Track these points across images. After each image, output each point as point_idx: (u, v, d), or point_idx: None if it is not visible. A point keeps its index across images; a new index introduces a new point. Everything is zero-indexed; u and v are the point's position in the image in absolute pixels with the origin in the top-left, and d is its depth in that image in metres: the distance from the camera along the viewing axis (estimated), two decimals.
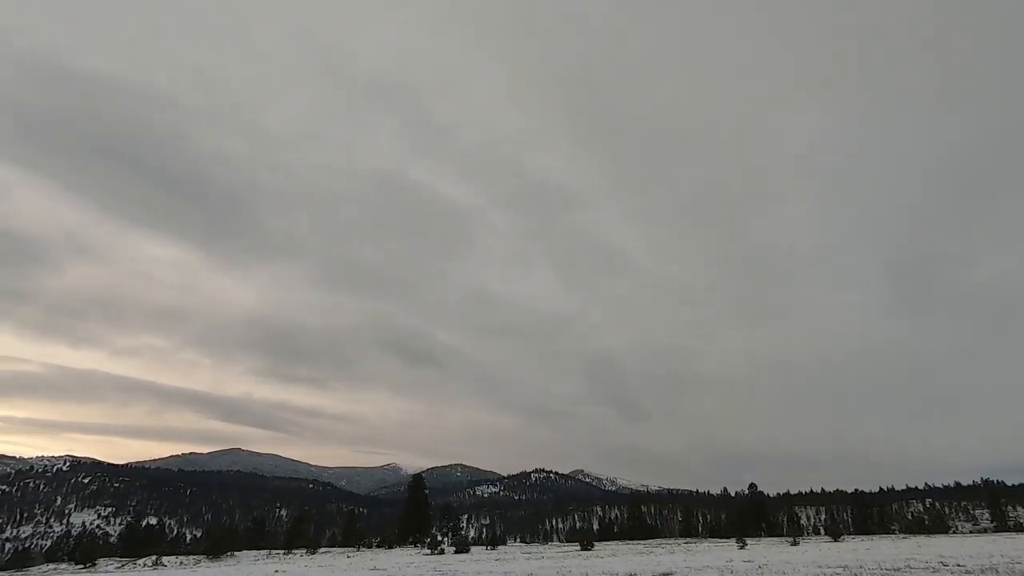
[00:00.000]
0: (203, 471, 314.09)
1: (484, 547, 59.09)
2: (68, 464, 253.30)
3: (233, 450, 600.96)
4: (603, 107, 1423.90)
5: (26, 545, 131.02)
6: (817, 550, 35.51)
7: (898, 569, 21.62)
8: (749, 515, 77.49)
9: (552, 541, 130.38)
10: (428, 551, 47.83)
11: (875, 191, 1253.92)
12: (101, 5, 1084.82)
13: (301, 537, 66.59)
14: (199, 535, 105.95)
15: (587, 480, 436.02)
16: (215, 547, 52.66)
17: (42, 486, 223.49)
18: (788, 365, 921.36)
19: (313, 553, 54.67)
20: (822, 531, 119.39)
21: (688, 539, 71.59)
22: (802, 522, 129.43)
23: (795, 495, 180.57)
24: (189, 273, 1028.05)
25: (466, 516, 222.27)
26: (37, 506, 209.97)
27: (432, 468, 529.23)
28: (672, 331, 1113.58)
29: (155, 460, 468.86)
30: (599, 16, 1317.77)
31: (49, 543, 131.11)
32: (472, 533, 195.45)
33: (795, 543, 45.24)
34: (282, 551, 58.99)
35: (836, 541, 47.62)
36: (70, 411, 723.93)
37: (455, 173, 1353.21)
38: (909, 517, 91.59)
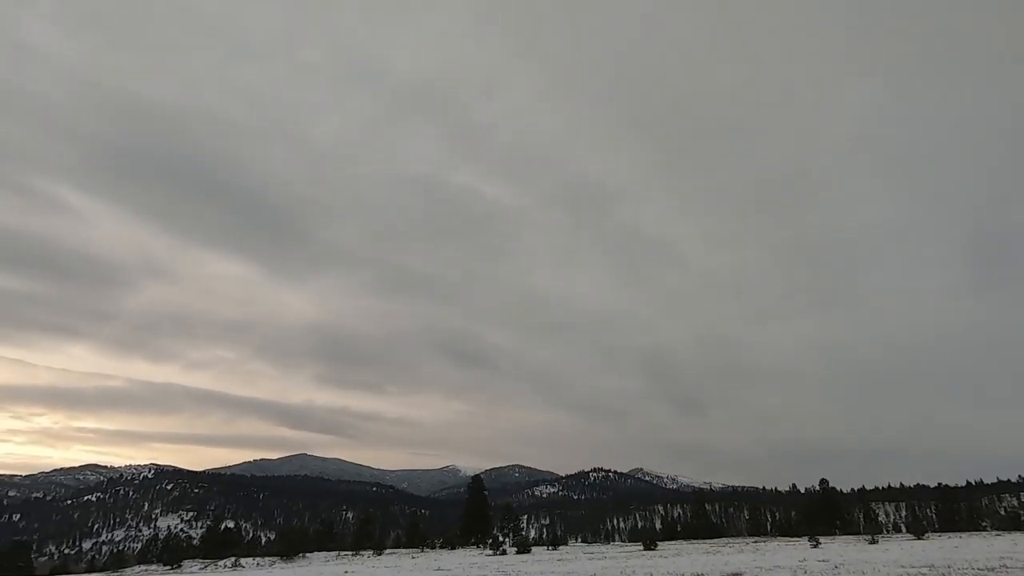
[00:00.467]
0: (274, 476, 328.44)
1: (545, 547, 59.04)
2: (153, 472, 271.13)
3: (300, 455, 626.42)
4: (644, 97, 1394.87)
5: (120, 548, 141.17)
6: (899, 548, 33.48)
7: (992, 569, 20.11)
8: (821, 512, 73.92)
9: (614, 541, 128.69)
10: (490, 551, 48.26)
11: (944, 163, 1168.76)
12: (158, 37, 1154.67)
13: (367, 538, 68.56)
14: (272, 537, 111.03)
15: (647, 479, 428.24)
16: (288, 549, 55.01)
17: (131, 493, 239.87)
18: (856, 353, 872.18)
19: (379, 554, 56.20)
20: (903, 528, 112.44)
21: (756, 538, 69.06)
22: (880, 519, 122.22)
23: (871, 491, 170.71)
24: (250, 287, 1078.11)
25: (526, 516, 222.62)
26: (127, 511, 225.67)
27: (490, 469, 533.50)
28: (728, 322, 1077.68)
29: (230, 466, 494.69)
30: (634, 4, 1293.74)
31: (139, 546, 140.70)
32: (532, 533, 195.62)
33: (874, 541, 42.81)
34: (350, 552, 60.95)
35: (919, 539, 44.72)
36: (152, 422, 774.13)
37: (498, 174, 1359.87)
38: (1002, 512, 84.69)
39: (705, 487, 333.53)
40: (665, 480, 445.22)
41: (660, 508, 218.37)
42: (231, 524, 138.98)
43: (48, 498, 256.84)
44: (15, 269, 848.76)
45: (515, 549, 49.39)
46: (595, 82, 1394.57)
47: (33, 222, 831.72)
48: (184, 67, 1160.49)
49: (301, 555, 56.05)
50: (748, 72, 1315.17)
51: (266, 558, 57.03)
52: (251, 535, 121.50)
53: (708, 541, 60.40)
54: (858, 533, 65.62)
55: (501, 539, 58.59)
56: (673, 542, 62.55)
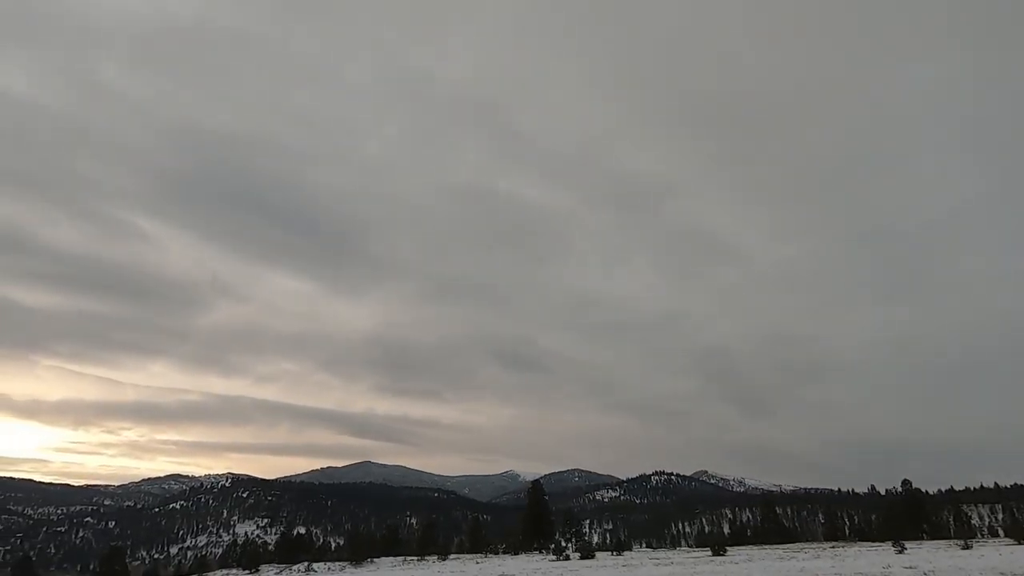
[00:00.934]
0: (340, 483, 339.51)
1: (609, 552, 58.18)
2: (229, 481, 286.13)
3: (364, 463, 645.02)
4: (691, 89, 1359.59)
5: (203, 553, 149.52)
6: (996, 554, 30.87)
7: None
8: (905, 515, 69.18)
9: (680, 546, 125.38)
10: (553, 557, 48.00)
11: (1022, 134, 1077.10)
12: (215, 69, 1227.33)
13: (432, 544, 69.67)
14: (341, 543, 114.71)
15: (712, 481, 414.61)
16: (356, 554, 56.69)
17: (211, 501, 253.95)
18: (933, 345, 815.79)
19: (444, 559, 57.01)
20: (1000, 532, 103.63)
21: (834, 543, 65.46)
22: (973, 522, 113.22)
23: (961, 491, 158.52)
24: (311, 302, 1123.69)
25: (587, 521, 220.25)
26: (208, 518, 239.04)
27: (549, 474, 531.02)
28: (791, 317, 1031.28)
29: (299, 474, 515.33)
30: None
31: (220, 551, 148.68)
32: (595, 539, 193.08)
33: (967, 546, 39.67)
34: (415, 557, 62.12)
35: (1021, 543, 41.12)
36: (226, 433, 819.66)
37: (543, 178, 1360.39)
38: None
39: (775, 489, 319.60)
40: (731, 483, 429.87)
41: (728, 512, 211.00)
42: (302, 530, 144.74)
43: (138, 506, 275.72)
44: (101, 294, 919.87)
45: (578, 555, 48.94)
46: (638, 78, 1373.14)
47: (114, 249, 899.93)
48: (240, 95, 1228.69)
49: (369, 560, 57.62)
50: (802, 52, 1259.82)
51: (336, 563, 58.99)
52: (321, 540, 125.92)
53: (781, 546, 57.79)
54: (948, 537, 61.02)
55: (564, 544, 58.18)
56: (743, 547, 60.22)
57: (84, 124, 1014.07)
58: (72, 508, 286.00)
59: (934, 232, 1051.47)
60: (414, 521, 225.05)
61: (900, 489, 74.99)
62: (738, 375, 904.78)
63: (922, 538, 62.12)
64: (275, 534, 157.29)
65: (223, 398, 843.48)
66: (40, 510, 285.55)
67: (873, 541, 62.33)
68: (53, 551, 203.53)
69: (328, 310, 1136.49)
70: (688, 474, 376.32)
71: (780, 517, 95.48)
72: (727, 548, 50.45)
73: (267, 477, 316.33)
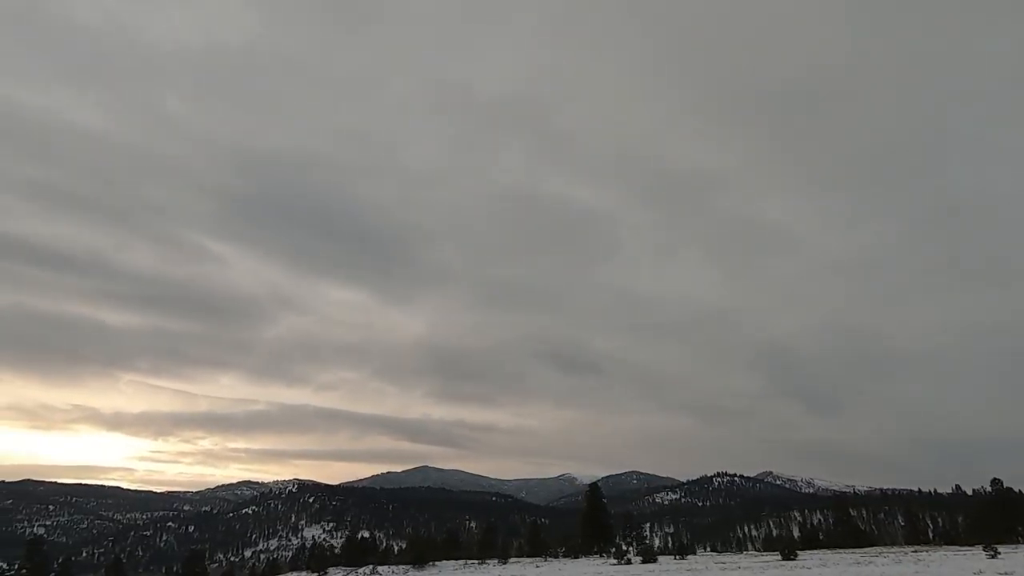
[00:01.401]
0: (399, 488, 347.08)
1: (672, 556, 56.75)
2: (296, 486, 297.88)
3: (422, 467, 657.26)
4: (735, 76, 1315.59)
5: (274, 556, 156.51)
6: None
7: None
8: (996, 517, 64.02)
9: (746, 550, 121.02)
10: (614, 561, 47.30)
11: None
12: (268, 94, 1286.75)
13: (491, 547, 70.08)
14: (403, 546, 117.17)
15: (778, 482, 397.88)
16: (418, 557, 57.70)
17: (279, 506, 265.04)
18: (1019, 333, 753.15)
19: (504, 563, 57.23)
20: None
21: (916, 547, 61.41)
22: None
23: None
24: (365, 312, 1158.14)
25: (648, 525, 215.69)
26: (278, 522, 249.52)
27: (607, 476, 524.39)
28: (858, 308, 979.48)
29: (361, 480, 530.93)
30: None
31: (290, 554, 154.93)
32: (656, 542, 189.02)
33: None
34: (476, 561, 62.64)
35: None
36: (291, 441, 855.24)
37: (588, 177, 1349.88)
38: None
39: (847, 490, 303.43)
40: (799, 483, 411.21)
41: (796, 514, 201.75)
42: (366, 534, 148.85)
43: (214, 511, 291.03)
44: (173, 312, 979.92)
45: (640, 558, 48.03)
46: (680, 70, 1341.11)
47: (183, 269, 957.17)
48: (290, 116, 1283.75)
49: (431, 563, 58.56)
50: (856, 25, 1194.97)
51: (399, 566, 60.29)
52: (384, 544, 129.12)
53: (857, 550, 54.70)
54: None
55: (624, 548, 57.24)
56: (815, 551, 57.39)
57: (153, 154, 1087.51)
58: (156, 513, 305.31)
59: (1013, 209, 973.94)
60: (473, 525, 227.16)
61: (990, 489, 69.61)
62: (801, 371, 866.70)
63: (1018, 541, 57.37)
64: (340, 538, 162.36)
65: (287, 407, 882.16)
66: (128, 515, 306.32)
67: (961, 545, 58.08)
68: (141, 554, 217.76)
69: (382, 319, 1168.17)
70: (752, 475, 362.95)
71: (854, 519, 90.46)
72: (797, 552, 48.22)
73: (331, 483, 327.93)
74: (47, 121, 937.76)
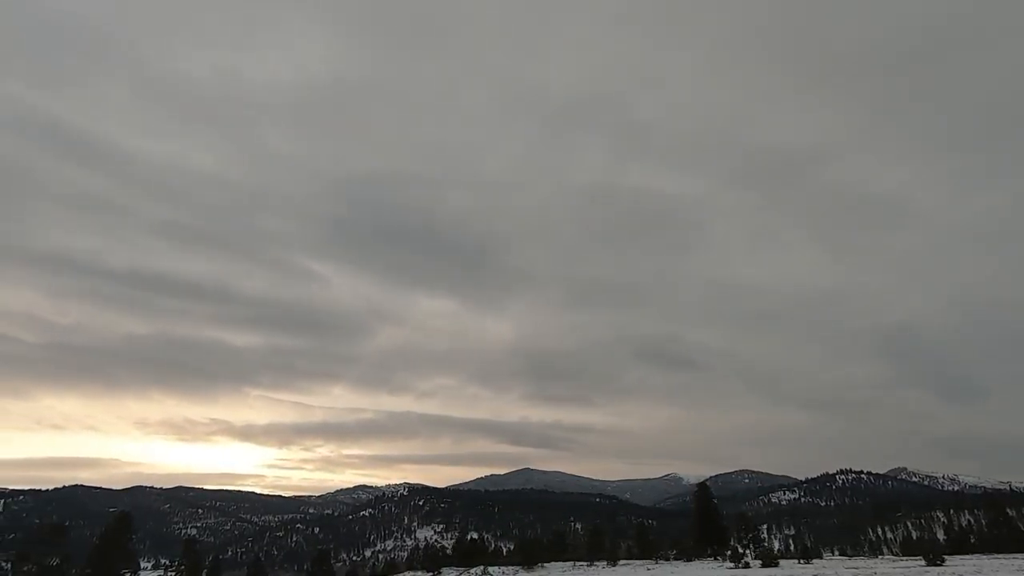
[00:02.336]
0: (503, 490, 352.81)
1: (795, 560, 53.08)
2: (406, 490, 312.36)
3: (524, 470, 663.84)
4: (827, 37, 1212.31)
5: (391, 556, 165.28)
6: None
7: None
8: None
9: (882, 554, 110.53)
10: (731, 564, 45.09)
11: None
12: (356, 120, 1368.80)
13: (599, 549, 69.36)
14: (511, 547, 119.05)
15: (914, 480, 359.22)
16: (527, 558, 58.43)
17: (393, 509, 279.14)
18: None
19: (614, 565, 56.42)
20: None
21: None
22: None
23: None
24: (457, 319, 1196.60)
25: (765, 526, 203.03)
26: (392, 524, 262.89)
27: (715, 476, 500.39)
28: (995, 280, 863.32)
29: (466, 482, 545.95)
30: None
31: (405, 554, 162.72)
32: (776, 545, 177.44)
33: None
34: (584, 563, 62.28)
35: None
36: (399, 446, 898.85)
37: (671, 166, 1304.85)
38: None
39: (1002, 487, 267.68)
40: (940, 480, 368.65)
41: (939, 514, 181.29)
42: (475, 535, 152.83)
43: (335, 514, 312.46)
44: (287, 330, 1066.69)
45: (759, 562, 45.42)
46: (761, 41, 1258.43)
47: (293, 291, 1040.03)
48: (376, 137, 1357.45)
49: (540, 565, 59.05)
50: None
51: (509, 567, 61.38)
52: (493, 545, 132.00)
53: (1020, 555, 48.05)
54: None
55: (740, 551, 54.34)
56: (966, 556, 51.16)
57: (259, 187, 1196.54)
58: (285, 516, 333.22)
59: None
60: (578, 526, 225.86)
61: None
62: (929, 354, 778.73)
63: None
64: (451, 539, 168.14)
65: (392, 414, 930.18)
66: (263, 518, 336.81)
67: None
68: (276, 553, 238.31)
69: (473, 325, 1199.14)
70: (882, 472, 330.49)
71: (1014, 520, 79.45)
72: (944, 557, 43.25)
73: (438, 486, 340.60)
74: (169, 167, 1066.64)
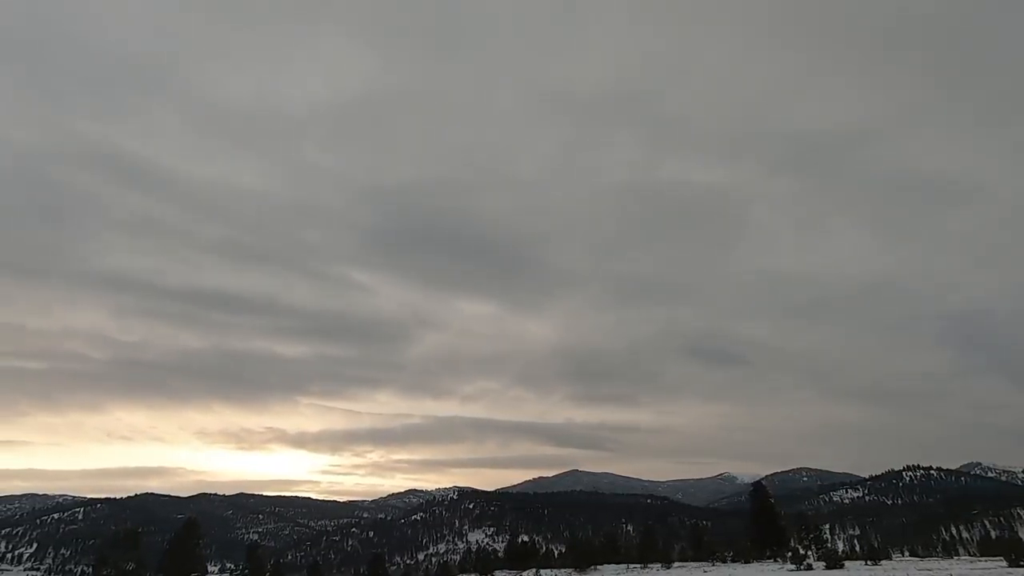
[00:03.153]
0: (552, 492, 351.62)
1: (862, 562, 50.73)
2: (456, 493, 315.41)
3: (572, 471, 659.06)
4: (869, 15, 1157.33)
5: (444, 559, 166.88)
6: None
7: None
8: None
9: (957, 554, 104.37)
10: (792, 566, 43.49)
11: None
12: (389, 132, 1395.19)
13: (652, 551, 68.11)
14: (563, 550, 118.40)
15: (990, 475, 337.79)
16: (579, 561, 57.99)
17: (444, 512, 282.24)
18: None
19: (668, 567, 55.33)
20: None
21: None
22: None
23: None
24: (498, 323, 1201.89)
25: (826, 526, 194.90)
26: (444, 528, 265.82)
27: (771, 475, 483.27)
28: None
29: (514, 485, 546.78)
30: None
31: (458, 557, 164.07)
32: (840, 546, 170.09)
33: None
34: (638, 565, 61.30)
35: None
36: (446, 450, 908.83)
37: (707, 157, 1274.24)
38: None
39: None
40: (1019, 475, 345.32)
41: (1020, 511, 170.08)
42: (525, 538, 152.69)
43: (388, 518, 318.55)
44: (333, 340, 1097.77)
45: (823, 564, 43.64)
46: (794, 22, 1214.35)
47: (337, 301, 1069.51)
48: (410, 146, 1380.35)
49: (592, 567, 58.50)
50: None
51: (561, 569, 61.04)
52: (544, 548, 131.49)
53: None
54: None
55: (802, 552, 52.31)
56: None
57: (300, 201, 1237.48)
58: (340, 520, 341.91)
59: None
60: (629, 528, 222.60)
61: None
62: (1005, 339, 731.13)
63: None
64: (501, 542, 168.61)
65: (438, 419, 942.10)
66: (319, 522, 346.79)
67: None
68: (333, 556, 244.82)
69: (514, 327, 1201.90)
70: (953, 467, 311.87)
71: None
72: None
73: (487, 489, 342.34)
74: (218, 187, 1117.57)
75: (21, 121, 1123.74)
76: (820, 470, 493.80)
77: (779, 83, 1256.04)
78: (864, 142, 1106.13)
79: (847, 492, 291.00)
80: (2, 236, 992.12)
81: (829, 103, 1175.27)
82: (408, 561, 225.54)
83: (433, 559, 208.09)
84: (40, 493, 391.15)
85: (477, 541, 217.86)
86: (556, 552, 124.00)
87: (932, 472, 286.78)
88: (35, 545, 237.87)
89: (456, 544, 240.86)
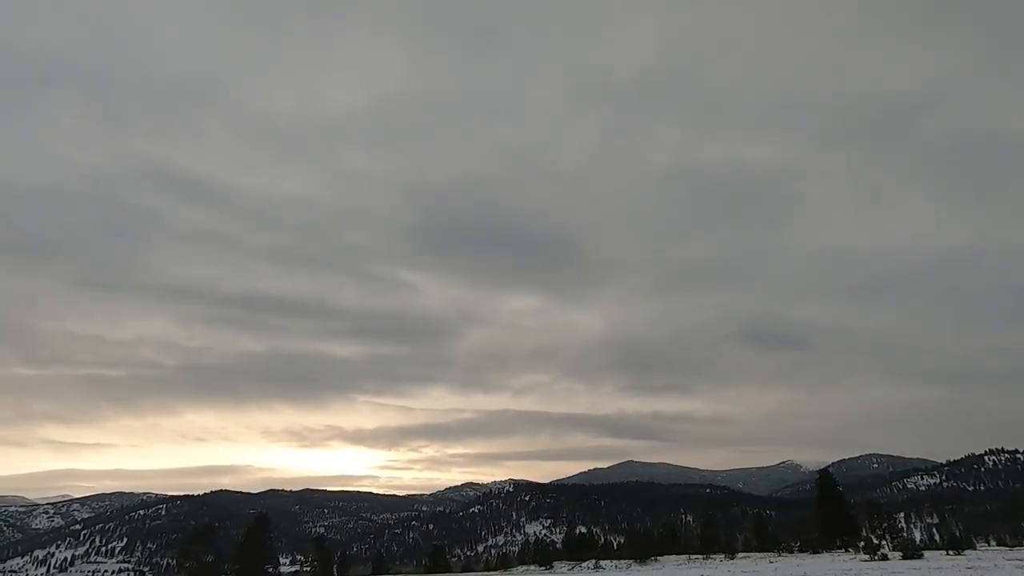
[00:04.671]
0: (607, 484, 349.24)
1: (943, 552, 47.92)
2: (512, 486, 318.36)
3: (627, 462, 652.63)
4: None
5: (503, 551, 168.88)
6: None
7: None
8: None
9: None
10: (865, 557, 41.59)
11: None
12: (423, 128, 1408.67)
13: (714, 542, 66.69)
14: (621, 541, 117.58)
15: None
16: (639, 552, 57.45)
17: (501, 505, 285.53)
18: None
19: (732, 558, 54.01)
20: None
21: None
22: None
23: None
24: (544, 315, 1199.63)
25: (901, 515, 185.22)
26: (501, 520, 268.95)
27: (837, 461, 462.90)
28: None
29: (569, 477, 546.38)
30: None
31: (516, 549, 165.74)
32: (917, 535, 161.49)
33: None
34: (700, 556, 60.11)
35: None
36: (500, 444, 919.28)
37: (754, 134, 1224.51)
38: None
39: None
40: None
41: None
42: (583, 529, 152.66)
43: (446, 511, 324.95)
44: (384, 339, 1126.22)
45: (899, 554, 41.50)
46: None
47: (386, 301, 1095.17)
48: (448, 145, 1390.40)
49: (653, 558, 57.80)
50: None
51: (621, 561, 60.60)
52: (602, 540, 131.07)
53: None
54: None
55: (876, 541, 49.93)
56: None
57: (344, 204, 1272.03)
58: (401, 514, 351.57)
59: None
60: (689, 519, 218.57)
61: None
62: None
63: None
64: (559, 533, 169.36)
65: (490, 413, 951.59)
66: (381, 516, 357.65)
67: None
68: (395, 549, 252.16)
69: (561, 320, 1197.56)
70: None
71: None
72: None
73: (542, 481, 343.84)
74: (266, 195, 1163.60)
75: (87, 143, 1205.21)
76: (891, 456, 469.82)
77: (826, 51, 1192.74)
78: (925, 107, 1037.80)
79: (922, 478, 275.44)
80: (79, 254, 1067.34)
81: (884, 68, 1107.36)
82: (468, 553, 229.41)
83: (492, 551, 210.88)
84: (127, 491, 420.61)
85: (535, 533, 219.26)
86: (615, 543, 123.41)
87: (1018, 455, 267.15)
88: (125, 540, 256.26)
89: (514, 536, 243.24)
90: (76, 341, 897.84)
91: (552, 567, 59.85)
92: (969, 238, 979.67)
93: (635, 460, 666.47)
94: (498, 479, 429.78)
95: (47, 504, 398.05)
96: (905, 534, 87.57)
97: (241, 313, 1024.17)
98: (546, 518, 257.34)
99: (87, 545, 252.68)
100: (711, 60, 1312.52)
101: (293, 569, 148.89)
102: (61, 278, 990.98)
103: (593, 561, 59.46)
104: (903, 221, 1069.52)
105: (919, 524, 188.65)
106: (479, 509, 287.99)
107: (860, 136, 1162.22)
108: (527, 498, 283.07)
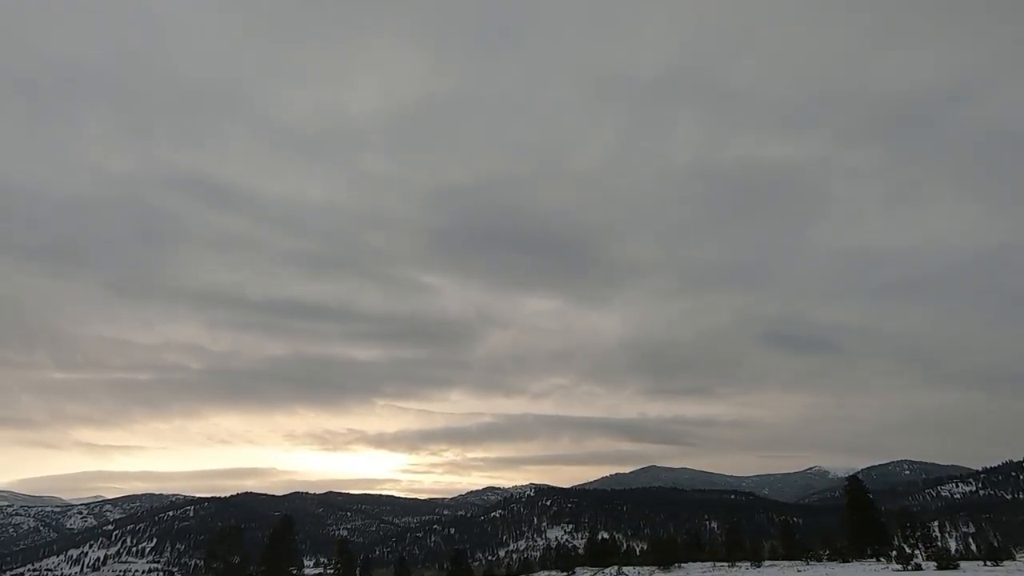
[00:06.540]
0: (629, 489, 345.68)
1: (980, 562, 46.31)
2: (533, 491, 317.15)
3: (649, 467, 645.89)
4: None
5: (524, 556, 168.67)
6: None
7: None
8: None
9: None
10: (898, 567, 40.45)
11: None
12: (442, 131, 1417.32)
13: (739, 549, 65.53)
14: (643, 547, 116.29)
15: None
16: (662, 558, 56.73)
17: (521, 509, 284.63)
18: None
19: (758, 566, 53.01)
20: None
21: None
22: None
23: None
24: (563, 318, 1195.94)
25: (935, 523, 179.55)
26: (523, 525, 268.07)
27: (867, 468, 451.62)
28: None
29: (590, 482, 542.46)
30: None
31: (537, 554, 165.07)
32: (952, 544, 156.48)
33: None
34: (725, 563, 59.11)
35: None
36: (520, 448, 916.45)
37: (777, 132, 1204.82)
38: None
39: None
40: None
41: None
42: (605, 535, 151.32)
43: (467, 515, 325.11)
44: (404, 342, 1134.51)
45: (933, 564, 40.24)
46: None
47: (406, 304, 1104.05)
48: (467, 147, 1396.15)
49: (676, 565, 57.03)
50: None
51: (644, 567, 59.90)
52: (625, 546, 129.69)
53: None
54: None
55: (908, 551, 48.52)
56: None
57: (364, 208, 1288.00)
58: (422, 517, 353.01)
59: None
60: (713, 525, 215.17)
61: None
62: None
63: None
64: (581, 538, 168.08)
65: (509, 416, 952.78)
66: (403, 519, 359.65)
67: None
68: (417, 552, 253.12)
69: (581, 322, 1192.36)
70: None
71: None
72: None
73: (563, 486, 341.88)
74: (288, 200, 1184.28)
75: (116, 152, 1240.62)
76: (924, 462, 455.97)
77: (852, 45, 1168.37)
78: (956, 101, 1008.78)
79: (957, 486, 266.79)
80: (109, 260, 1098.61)
81: (912, 61, 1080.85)
82: (489, 558, 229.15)
83: (514, 556, 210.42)
84: (156, 493, 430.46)
85: (556, 538, 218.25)
86: (637, 549, 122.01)
87: None
88: (154, 540, 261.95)
89: (536, 541, 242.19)
90: (106, 345, 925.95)
91: (574, 573, 59.52)
92: (1005, 236, 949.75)
93: (658, 465, 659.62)
94: (519, 483, 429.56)
95: (81, 504, 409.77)
96: (939, 543, 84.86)
97: (265, 317, 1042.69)
98: (568, 523, 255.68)
99: (119, 545, 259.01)
100: (732, 57, 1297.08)
101: (317, 571, 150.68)
102: (92, 284, 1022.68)
103: (616, 567, 58.93)
104: (935, 219, 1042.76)
105: (954, 533, 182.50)
106: (500, 513, 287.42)
107: (888, 133, 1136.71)
108: (548, 503, 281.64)
